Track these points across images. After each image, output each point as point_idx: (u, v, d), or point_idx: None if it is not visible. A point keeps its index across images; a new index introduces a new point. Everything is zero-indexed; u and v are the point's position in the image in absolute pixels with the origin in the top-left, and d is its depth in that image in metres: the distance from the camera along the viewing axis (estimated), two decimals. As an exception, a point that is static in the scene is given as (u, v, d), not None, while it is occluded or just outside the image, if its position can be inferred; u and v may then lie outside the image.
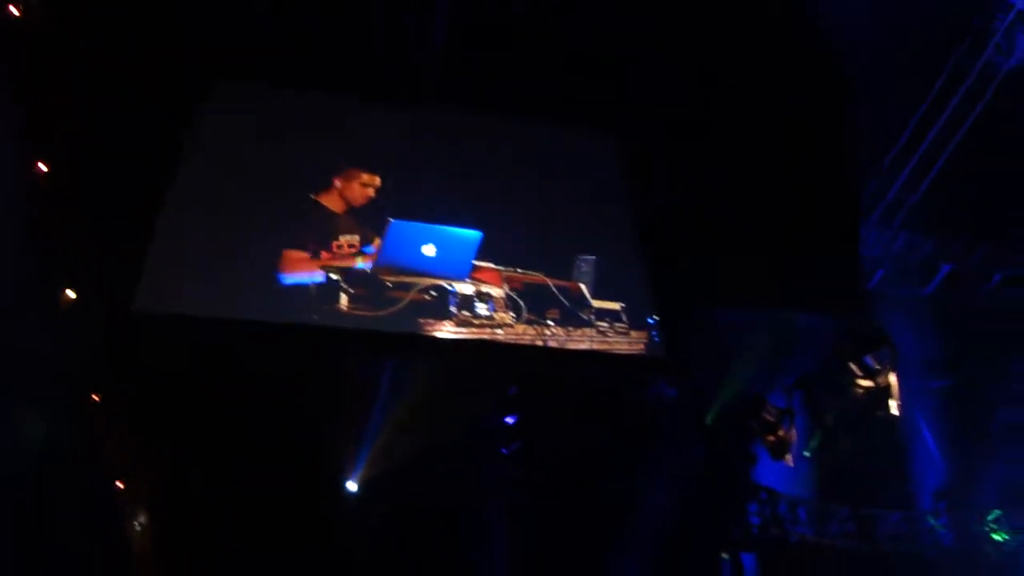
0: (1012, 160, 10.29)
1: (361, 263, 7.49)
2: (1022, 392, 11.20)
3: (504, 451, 8.90)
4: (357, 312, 7.24)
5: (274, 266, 7.37)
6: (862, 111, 9.39)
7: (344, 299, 7.25)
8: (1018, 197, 10.73)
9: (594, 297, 7.88)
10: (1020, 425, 10.93)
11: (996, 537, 10.60)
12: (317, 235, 7.62)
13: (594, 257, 8.07)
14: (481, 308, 7.49)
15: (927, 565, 10.13)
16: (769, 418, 8.20)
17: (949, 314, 11.04)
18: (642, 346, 7.77)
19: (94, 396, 7.63)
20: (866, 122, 9.55)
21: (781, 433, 8.30)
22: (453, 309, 7.42)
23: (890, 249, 10.80)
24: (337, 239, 7.64)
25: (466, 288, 7.54)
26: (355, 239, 7.66)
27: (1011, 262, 11.34)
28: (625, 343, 7.75)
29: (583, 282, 7.93)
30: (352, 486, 8.52)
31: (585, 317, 7.74)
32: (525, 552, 8.49)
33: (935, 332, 10.82)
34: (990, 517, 10.52)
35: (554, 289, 7.78)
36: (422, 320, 7.35)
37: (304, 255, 7.46)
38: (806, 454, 9.15)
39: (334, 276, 7.31)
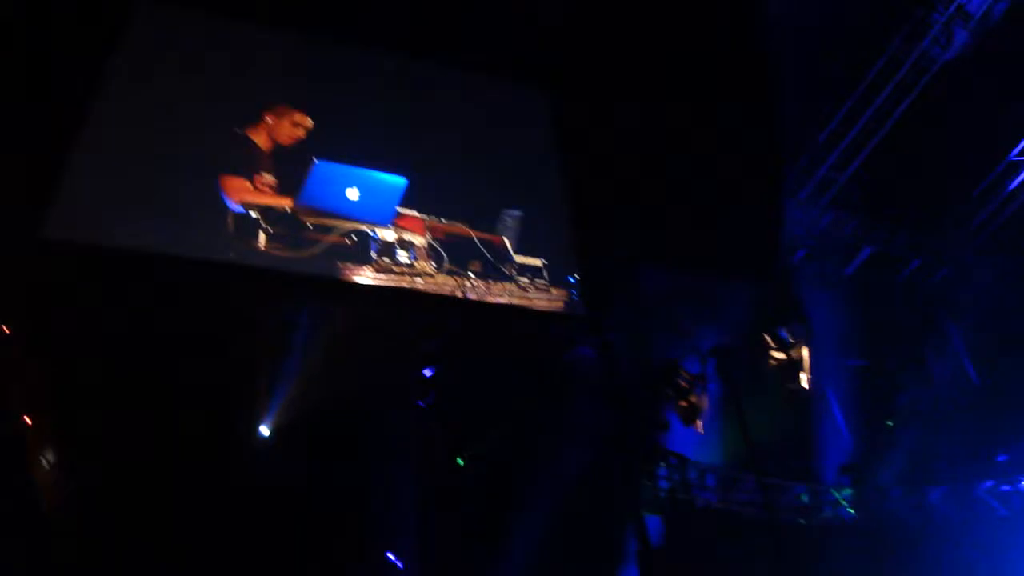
0: (938, 149, 10.56)
1: (282, 203, 7.35)
2: (930, 376, 11.60)
3: (420, 404, 8.88)
4: (275, 252, 7.09)
5: (194, 198, 7.17)
6: (799, 88, 9.52)
7: (263, 238, 7.10)
8: (941, 186, 11.04)
9: (517, 252, 7.85)
10: (925, 407, 11.32)
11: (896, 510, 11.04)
12: (241, 169, 7.41)
13: (519, 212, 8.03)
14: (402, 256, 7.42)
15: (829, 537, 10.44)
16: (682, 383, 8.30)
17: (868, 295, 11.33)
18: (561, 304, 7.79)
19: (4, 327, 7.41)
20: (801, 100, 9.68)
21: (693, 399, 8.42)
22: (373, 255, 7.33)
23: (816, 227, 11.02)
24: (261, 176, 7.44)
25: (388, 234, 7.45)
26: (277, 179, 7.49)
27: (930, 249, 11.69)
28: (545, 300, 7.76)
29: (507, 236, 7.89)
30: (265, 430, 8.44)
31: (506, 272, 7.72)
32: (434, 504, 8.52)
33: (852, 312, 11.11)
34: (893, 493, 10.93)
35: (477, 241, 7.74)
36: (341, 264, 7.24)
37: (228, 187, 7.27)
38: (717, 423, 9.29)
39: (254, 214, 7.15)
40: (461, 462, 9.06)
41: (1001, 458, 11.91)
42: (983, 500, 11.67)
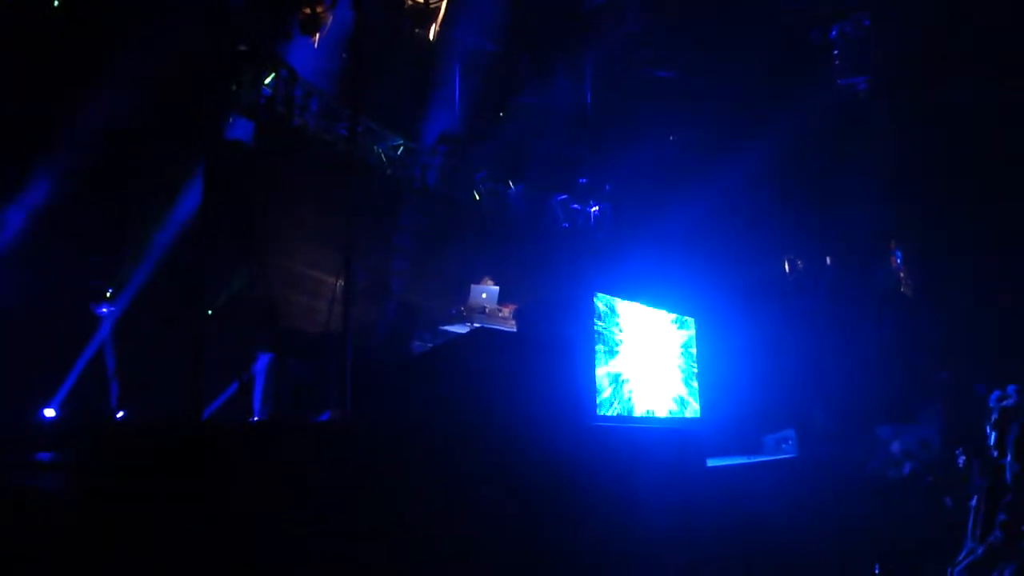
0: None
1: None
2: (551, 87, 12.15)
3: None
4: None
5: None
6: None
7: None
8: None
9: None
10: (534, 113, 11.88)
11: (476, 194, 11.87)
12: None
13: None
14: None
15: (410, 194, 10.94)
16: (314, -12, 7.87)
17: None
18: None
19: None
20: None
21: (319, 10, 8.06)
22: None
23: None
24: None
25: None
26: None
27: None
28: None
29: None
30: None
31: None
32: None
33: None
34: (478, 176, 11.65)
35: None
36: None
37: None
38: (340, 52, 9.01)
39: None
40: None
41: (581, 180, 13.19)
42: (553, 208, 12.96)
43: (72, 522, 4.41)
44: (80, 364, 7.88)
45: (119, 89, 7.55)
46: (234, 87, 8.64)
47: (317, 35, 8.21)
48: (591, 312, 7.11)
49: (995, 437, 2.89)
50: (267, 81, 9.01)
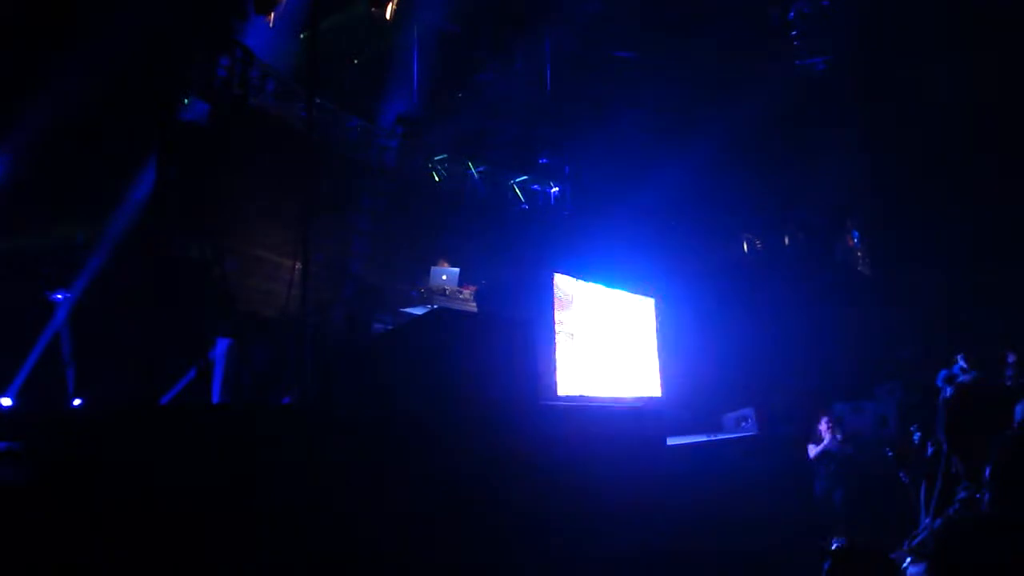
0: None
1: None
2: (513, 69, 12.06)
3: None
4: None
5: None
6: None
7: None
8: None
9: None
10: (494, 91, 11.82)
11: (435, 175, 11.81)
12: None
13: None
14: None
15: (366, 178, 10.83)
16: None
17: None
18: None
19: None
20: None
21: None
22: None
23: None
24: None
25: None
26: None
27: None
28: None
29: None
30: None
31: None
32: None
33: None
34: (437, 157, 11.57)
35: None
36: None
37: None
38: (297, 30, 8.89)
39: None
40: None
41: (542, 160, 13.15)
42: (513, 189, 12.93)
43: (29, 511, 4.34)
44: (36, 352, 7.75)
45: (72, 70, 7.39)
46: (189, 68, 8.50)
47: (272, 14, 8.07)
48: (550, 292, 7.10)
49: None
50: (222, 62, 8.84)
